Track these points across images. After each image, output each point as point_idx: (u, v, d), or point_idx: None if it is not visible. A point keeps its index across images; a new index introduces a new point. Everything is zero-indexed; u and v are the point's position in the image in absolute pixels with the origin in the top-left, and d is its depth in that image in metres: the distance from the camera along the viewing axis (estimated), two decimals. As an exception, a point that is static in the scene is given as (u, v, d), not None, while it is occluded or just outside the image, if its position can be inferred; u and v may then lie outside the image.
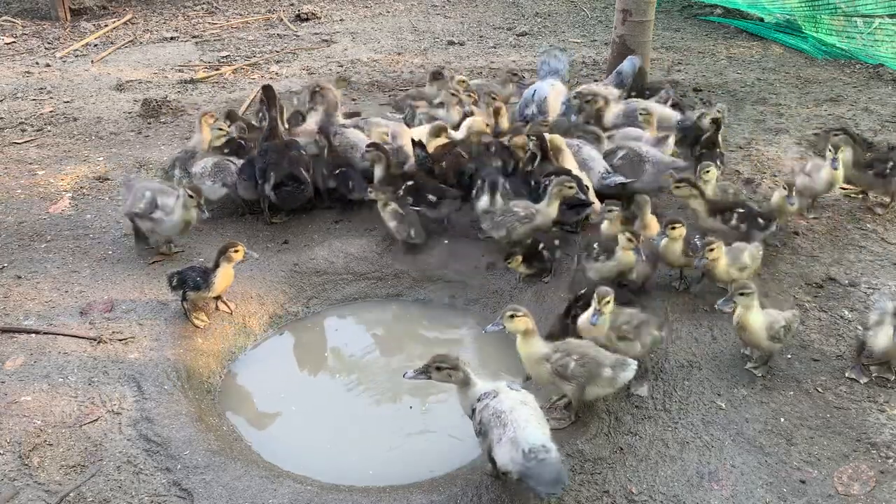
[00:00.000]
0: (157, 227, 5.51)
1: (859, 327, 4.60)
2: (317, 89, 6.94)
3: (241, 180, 6.02)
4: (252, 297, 5.39)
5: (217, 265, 4.93)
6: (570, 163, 5.86)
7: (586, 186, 5.62)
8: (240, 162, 6.16)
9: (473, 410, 3.67)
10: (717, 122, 6.30)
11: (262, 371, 5.02)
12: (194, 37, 11.93)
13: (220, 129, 6.45)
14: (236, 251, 4.91)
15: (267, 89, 6.20)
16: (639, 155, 5.87)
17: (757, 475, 3.77)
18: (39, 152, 7.60)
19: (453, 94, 7.16)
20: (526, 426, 3.43)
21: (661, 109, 6.75)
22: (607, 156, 6.09)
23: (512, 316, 3.97)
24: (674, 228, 4.83)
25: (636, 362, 3.94)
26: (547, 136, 5.97)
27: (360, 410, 4.69)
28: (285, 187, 5.82)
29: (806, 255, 5.49)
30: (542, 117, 6.92)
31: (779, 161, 6.82)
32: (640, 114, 6.40)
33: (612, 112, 6.83)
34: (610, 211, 5.23)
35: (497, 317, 4.04)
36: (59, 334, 4.80)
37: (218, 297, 5.12)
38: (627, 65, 7.71)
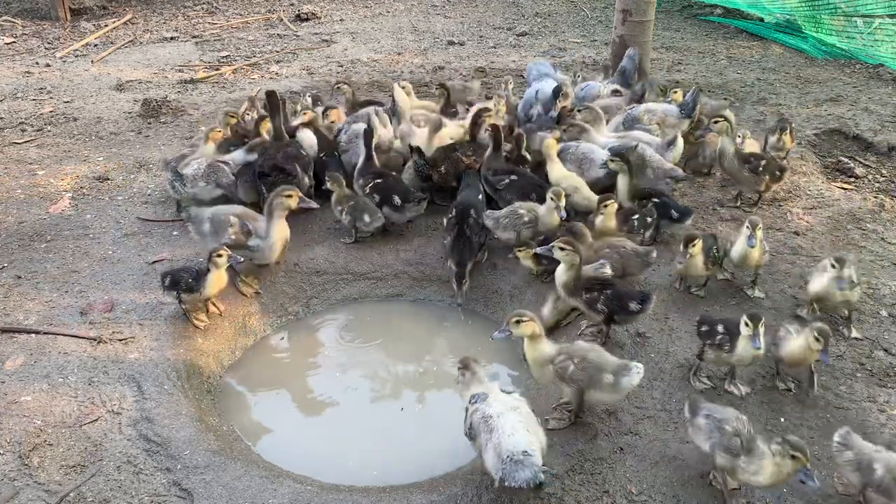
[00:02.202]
0: (254, 255, 5.30)
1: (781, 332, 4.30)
2: (338, 85, 7.31)
3: (241, 182, 6.02)
4: (252, 297, 5.39)
5: (207, 269, 4.91)
6: (557, 168, 5.84)
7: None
8: (234, 163, 6.14)
9: (466, 410, 3.68)
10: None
11: (262, 371, 5.02)
12: (194, 37, 11.93)
13: (219, 131, 6.45)
14: (220, 256, 4.87)
15: (270, 96, 6.18)
16: (642, 158, 5.86)
17: (757, 475, 3.77)
18: (39, 152, 7.60)
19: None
20: (512, 434, 3.43)
21: (663, 107, 6.74)
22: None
23: (518, 321, 3.97)
24: (694, 245, 4.78)
25: (641, 367, 3.93)
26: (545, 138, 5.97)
27: (359, 411, 4.69)
28: (269, 178, 5.80)
29: (806, 255, 5.49)
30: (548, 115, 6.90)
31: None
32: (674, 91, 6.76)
33: (614, 122, 6.81)
34: (605, 206, 5.22)
35: (503, 323, 4.04)
36: (59, 334, 4.80)
37: (207, 298, 5.10)
38: (627, 62, 7.70)
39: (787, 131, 6.46)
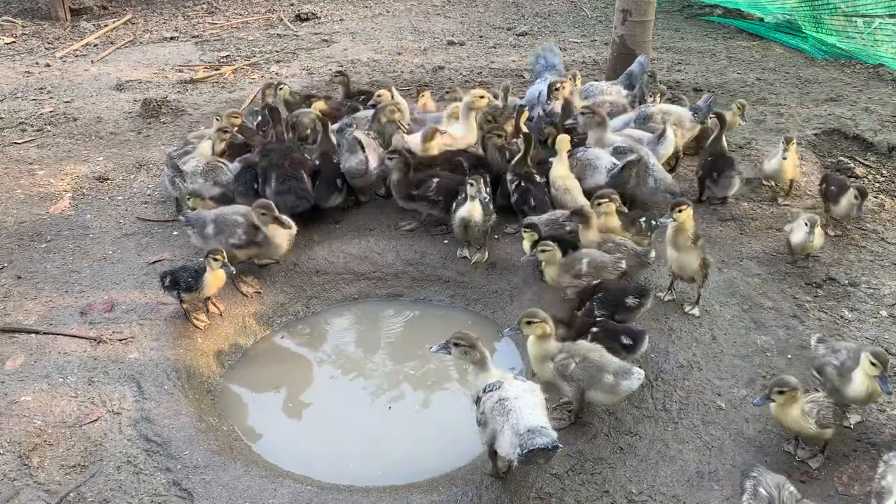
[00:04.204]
0: (265, 251, 5.34)
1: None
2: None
3: (237, 187, 5.94)
4: (252, 297, 5.39)
5: (204, 269, 4.88)
6: (560, 165, 5.82)
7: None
8: (231, 164, 6.10)
9: (478, 399, 3.69)
10: (720, 120, 6.23)
11: (262, 371, 5.02)
12: (194, 37, 11.93)
13: (227, 134, 6.42)
14: (216, 259, 4.85)
15: (271, 110, 6.31)
16: (645, 165, 5.84)
17: (757, 475, 3.77)
18: (39, 152, 7.60)
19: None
20: (532, 412, 3.48)
21: (677, 110, 6.71)
22: (615, 155, 6.05)
23: (529, 322, 4.00)
24: (681, 211, 4.71)
25: (642, 372, 3.93)
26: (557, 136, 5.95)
27: (360, 410, 4.69)
28: (288, 196, 5.76)
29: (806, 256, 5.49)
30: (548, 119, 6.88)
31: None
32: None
33: (622, 120, 6.77)
34: (599, 204, 5.17)
35: (515, 322, 4.08)
36: (59, 334, 4.80)
37: (208, 298, 5.09)
38: (636, 67, 7.57)
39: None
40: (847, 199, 5.58)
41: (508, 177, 5.87)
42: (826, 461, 3.84)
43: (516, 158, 5.88)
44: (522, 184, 5.74)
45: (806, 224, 5.17)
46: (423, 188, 5.79)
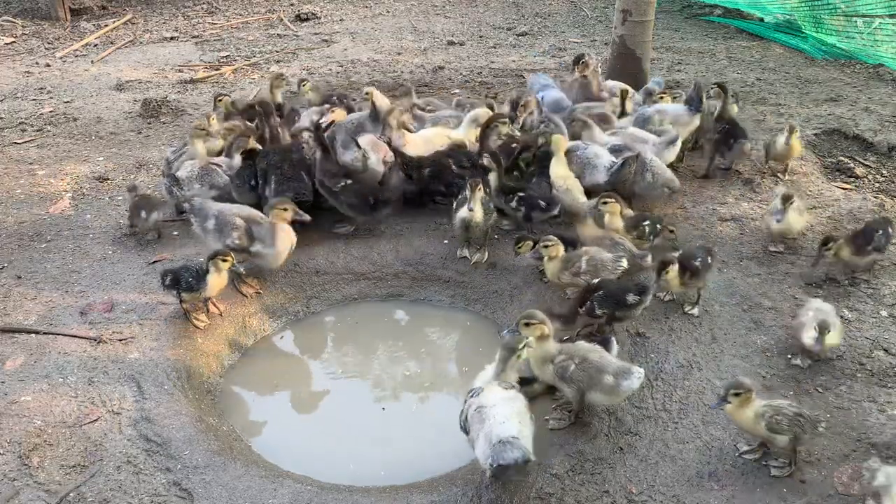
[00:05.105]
0: (257, 260, 5.28)
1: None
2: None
3: (235, 185, 5.94)
4: (252, 297, 5.39)
5: (207, 270, 4.88)
6: (559, 166, 5.81)
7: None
8: (226, 165, 6.08)
9: (464, 403, 3.70)
10: (723, 88, 6.60)
11: (262, 371, 5.02)
12: (194, 37, 11.93)
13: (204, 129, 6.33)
14: (225, 260, 4.87)
15: (263, 104, 6.27)
16: (643, 161, 5.83)
17: (757, 475, 3.77)
18: (39, 152, 7.60)
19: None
20: (504, 422, 3.44)
21: (673, 108, 6.68)
22: (613, 154, 6.04)
23: (527, 324, 4.00)
24: (667, 272, 4.70)
25: (642, 371, 3.94)
26: (554, 136, 5.93)
27: (360, 410, 4.69)
28: (288, 194, 5.76)
29: (806, 255, 5.49)
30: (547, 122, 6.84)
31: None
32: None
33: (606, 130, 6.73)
34: (605, 203, 5.19)
35: (513, 323, 4.07)
36: (59, 334, 4.80)
37: (208, 298, 5.08)
38: (654, 85, 7.43)
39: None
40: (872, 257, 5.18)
41: (502, 200, 5.78)
42: (826, 461, 3.84)
43: (495, 181, 5.79)
44: (520, 194, 5.70)
45: (815, 329, 4.33)
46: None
